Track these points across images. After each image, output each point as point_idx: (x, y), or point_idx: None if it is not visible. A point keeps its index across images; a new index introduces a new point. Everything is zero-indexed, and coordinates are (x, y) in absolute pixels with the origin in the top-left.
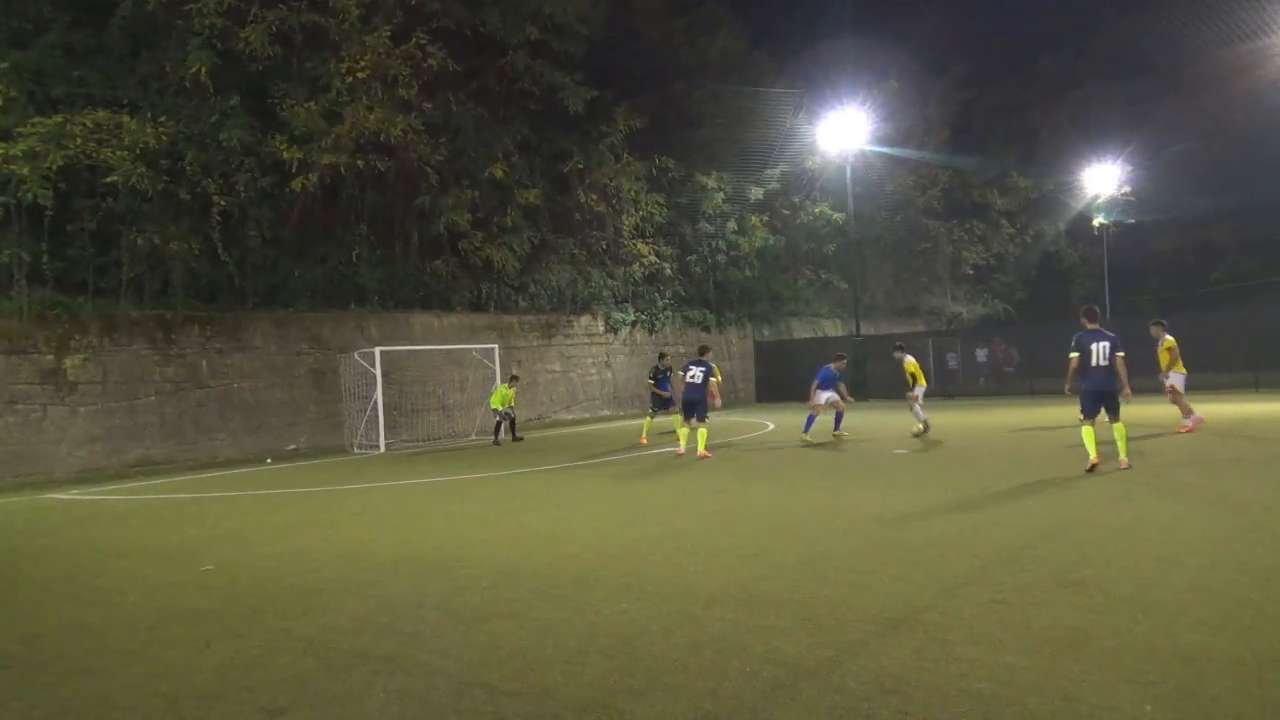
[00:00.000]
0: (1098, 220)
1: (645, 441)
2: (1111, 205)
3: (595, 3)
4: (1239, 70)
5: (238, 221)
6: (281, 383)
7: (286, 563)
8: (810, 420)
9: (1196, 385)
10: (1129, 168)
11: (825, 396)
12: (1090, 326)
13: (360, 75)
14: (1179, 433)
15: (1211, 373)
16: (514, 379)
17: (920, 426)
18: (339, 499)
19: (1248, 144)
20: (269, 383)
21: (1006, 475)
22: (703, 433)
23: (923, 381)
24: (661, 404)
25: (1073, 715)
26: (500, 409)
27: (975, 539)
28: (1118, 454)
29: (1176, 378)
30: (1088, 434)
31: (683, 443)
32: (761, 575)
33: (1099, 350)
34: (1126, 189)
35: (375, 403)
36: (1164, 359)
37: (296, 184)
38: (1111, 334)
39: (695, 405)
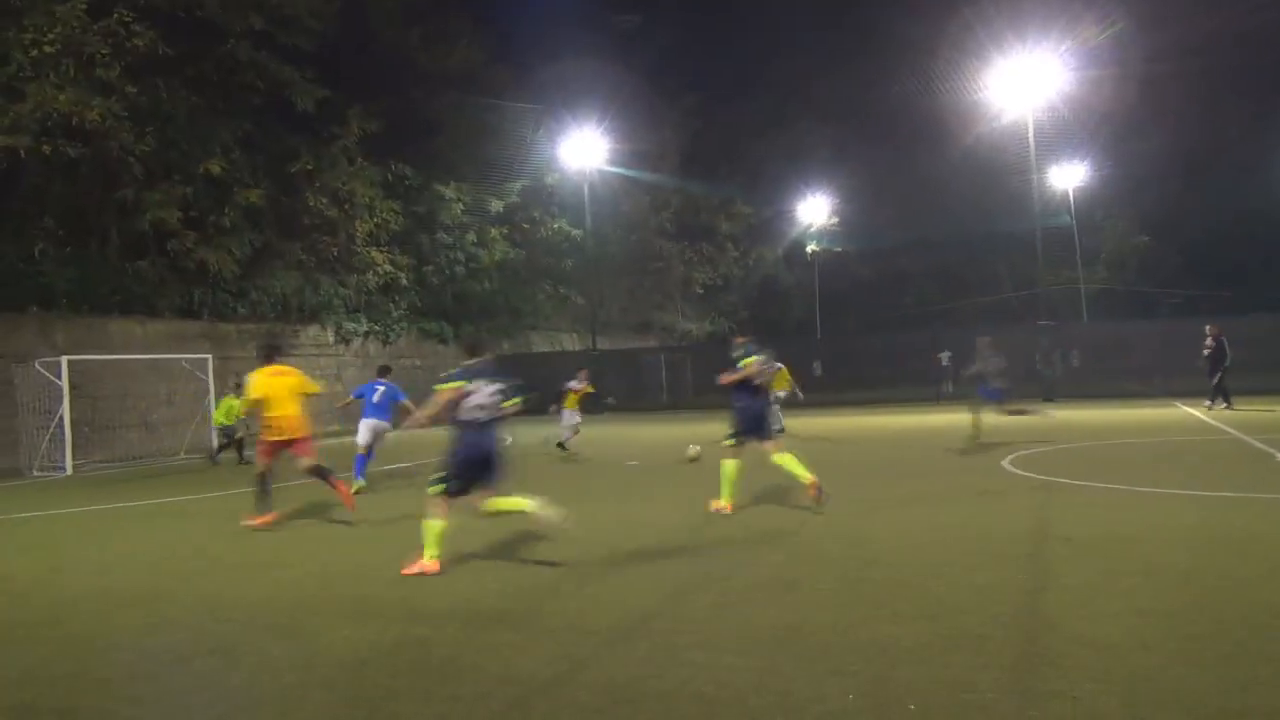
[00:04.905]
0: (810, 247)
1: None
2: (821, 234)
3: None
4: (931, 120)
5: None
6: None
7: None
8: (360, 462)
9: (891, 399)
10: (836, 200)
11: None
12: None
13: (47, 49)
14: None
15: (905, 385)
16: (239, 387)
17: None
18: (5, 530)
19: (934, 185)
20: None
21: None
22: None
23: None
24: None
25: (787, 710)
26: (227, 423)
27: (699, 544)
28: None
29: None
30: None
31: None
32: (495, 592)
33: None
34: (835, 220)
35: (61, 419)
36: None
37: None
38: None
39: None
